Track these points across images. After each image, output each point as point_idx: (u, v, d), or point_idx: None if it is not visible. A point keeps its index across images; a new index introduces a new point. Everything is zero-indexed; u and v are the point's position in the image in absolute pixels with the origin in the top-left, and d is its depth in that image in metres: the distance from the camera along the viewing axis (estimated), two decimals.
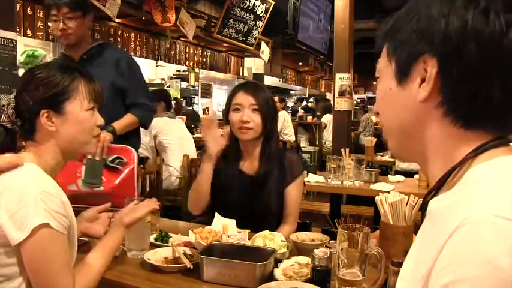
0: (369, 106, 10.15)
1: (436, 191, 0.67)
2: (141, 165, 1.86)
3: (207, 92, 8.36)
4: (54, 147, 1.21)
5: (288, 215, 1.93)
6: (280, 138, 6.73)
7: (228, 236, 1.60)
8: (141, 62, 6.76)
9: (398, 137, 0.73)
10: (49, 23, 2.27)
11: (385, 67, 0.72)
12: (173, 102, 4.35)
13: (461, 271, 0.51)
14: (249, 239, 1.59)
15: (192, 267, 1.34)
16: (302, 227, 2.07)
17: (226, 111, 1.95)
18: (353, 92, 4.67)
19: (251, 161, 1.96)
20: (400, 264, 1.22)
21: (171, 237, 1.64)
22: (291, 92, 13.35)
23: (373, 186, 2.93)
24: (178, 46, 6.13)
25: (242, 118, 1.85)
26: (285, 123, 7.01)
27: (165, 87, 6.49)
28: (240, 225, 1.70)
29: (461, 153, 0.64)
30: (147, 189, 3.23)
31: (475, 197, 0.56)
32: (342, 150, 3.13)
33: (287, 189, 1.92)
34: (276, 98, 7.78)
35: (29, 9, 4.01)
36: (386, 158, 4.67)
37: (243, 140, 1.92)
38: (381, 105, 0.75)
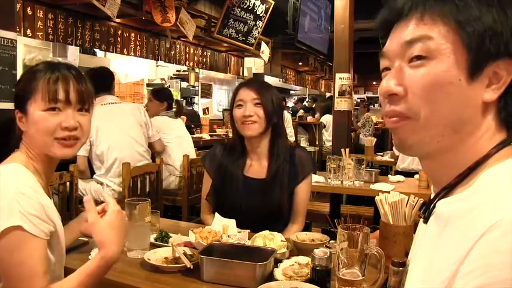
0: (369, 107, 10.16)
1: (450, 189, 0.65)
2: None
3: (207, 92, 8.35)
4: (33, 147, 1.19)
5: (297, 214, 1.89)
6: None
7: (228, 236, 1.60)
8: (141, 62, 6.80)
9: (444, 130, 0.64)
10: None
11: (453, 50, 0.62)
12: (173, 104, 4.34)
13: (491, 274, 0.50)
14: (249, 239, 1.59)
15: (192, 267, 1.34)
16: None
17: (230, 110, 1.92)
18: (353, 92, 4.67)
19: (258, 160, 1.91)
20: (400, 264, 1.22)
21: (171, 237, 1.64)
22: (291, 92, 13.34)
23: (373, 186, 2.93)
24: (178, 46, 6.12)
25: (244, 113, 1.83)
26: (285, 123, 7.00)
27: (164, 87, 6.48)
28: (254, 229, 1.64)
29: (487, 146, 0.63)
30: (147, 189, 3.23)
31: (501, 199, 0.55)
32: (342, 150, 3.13)
33: (297, 187, 1.89)
34: None
35: (29, 9, 4.00)
36: (387, 158, 4.67)
37: (248, 137, 1.87)
38: (437, 95, 0.63)
